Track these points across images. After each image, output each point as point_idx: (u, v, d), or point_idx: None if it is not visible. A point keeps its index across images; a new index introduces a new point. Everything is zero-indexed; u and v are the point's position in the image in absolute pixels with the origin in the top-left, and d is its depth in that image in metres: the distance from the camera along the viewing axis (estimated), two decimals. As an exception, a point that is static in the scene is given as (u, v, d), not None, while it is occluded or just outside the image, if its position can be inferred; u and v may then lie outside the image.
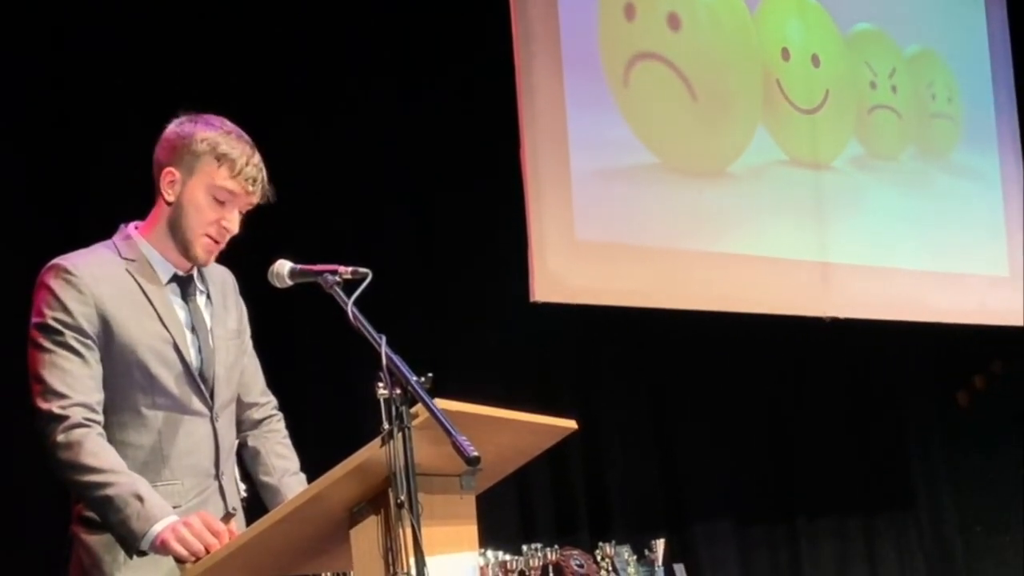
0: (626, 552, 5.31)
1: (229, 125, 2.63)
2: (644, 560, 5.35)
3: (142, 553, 2.39)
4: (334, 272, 2.41)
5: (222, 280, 2.76)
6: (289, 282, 2.48)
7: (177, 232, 2.59)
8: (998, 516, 7.34)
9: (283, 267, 2.49)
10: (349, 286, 2.37)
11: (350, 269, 2.41)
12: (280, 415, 2.87)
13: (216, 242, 2.61)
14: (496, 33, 5.23)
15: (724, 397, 6.35)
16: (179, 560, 2.33)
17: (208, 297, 2.69)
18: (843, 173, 6.47)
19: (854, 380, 6.90)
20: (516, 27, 5.22)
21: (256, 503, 2.73)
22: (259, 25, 4.91)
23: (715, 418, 6.32)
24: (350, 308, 2.30)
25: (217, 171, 2.56)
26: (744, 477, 6.45)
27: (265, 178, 2.61)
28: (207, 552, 2.30)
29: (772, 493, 6.60)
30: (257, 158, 2.61)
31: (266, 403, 2.85)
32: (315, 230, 4.92)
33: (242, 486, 2.75)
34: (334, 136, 5.17)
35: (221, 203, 2.58)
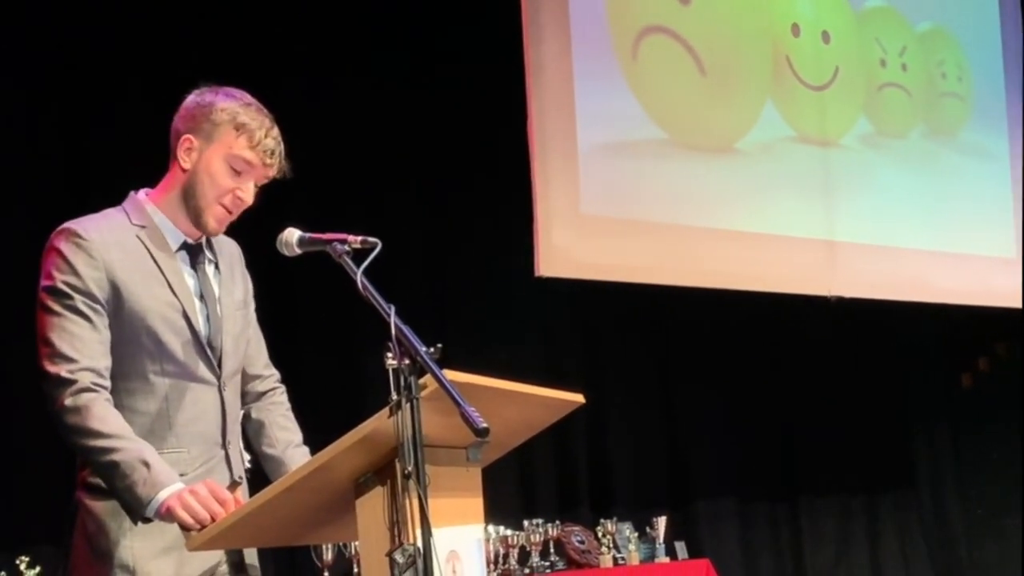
0: (628, 529, 5.32)
1: (249, 98, 2.63)
2: (645, 537, 5.36)
3: (147, 520, 2.38)
4: (343, 241, 2.39)
5: (230, 251, 2.75)
6: (298, 250, 2.47)
7: (191, 200, 2.58)
8: (1000, 498, 7.34)
9: (292, 235, 2.47)
10: (358, 256, 2.35)
11: (359, 238, 2.39)
12: (283, 388, 2.86)
13: (229, 212, 2.60)
14: (505, 5, 5.20)
15: (728, 375, 6.34)
16: (184, 527, 2.31)
17: (216, 267, 2.69)
18: (851, 151, 6.44)
19: (859, 360, 6.89)
20: (525, -1, 5.18)
21: (260, 474, 2.72)
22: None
23: (719, 396, 6.31)
24: (360, 277, 2.28)
25: (236, 140, 2.55)
26: (747, 455, 6.45)
27: (283, 152, 2.60)
28: (212, 520, 2.29)
29: (774, 471, 6.60)
30: (276, 131, 2.60)
31: (269, 376, 2.84)
32: (320, 203, 4.91)
33: (246, 456, 2.74)
34: (340, 109, 5.15)
35: (237, 173, 2.57)
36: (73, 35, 4.48)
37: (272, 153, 2.57)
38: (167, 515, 2.33)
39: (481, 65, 5.35)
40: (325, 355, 5.03)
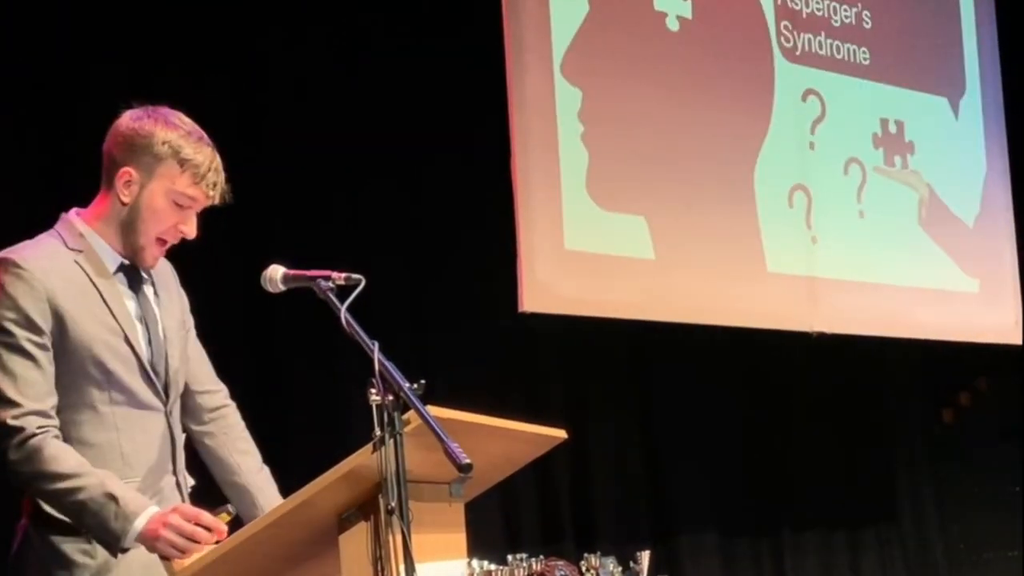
0: (611, 563, 5.28)
1: (189, 124, 2.57)
2: (629, 571, 5.32)
3: (125, 550, 2.37)
4: (327, 277, 2.41)
5: (163, 269, 2.70)
6: (282, 287, 2.48)
7: (130, 235, 2.54)
8: (982, 533, 7.35)
9: (276, 272, 2.49)
10: (342, 292, 2.37)
11: (343, 275, 2.41)
12: (233, 404, 2.81)
13: (167, 244, 2.58)
14: (488, 38, 5.23)
15: (711, 409, 6.35)
16: (165, 557, 2.31)
17: (155, 288, 2.65)
18: (834, 186, 6.46)
19: (841, 395, 6.91)
20: (508, 33, 5.20)
21: (204, 496, 2.68)
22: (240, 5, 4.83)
23: (702, 430, 6.32)
24: (343, 314, 2.30)
25: (180, 176, 2.51)
26: (730, 489, 6.45)
27: (223, 180, 2.57)
28: (197, 543, 2.29)
29: (758, 506, 6.60)
30: (218, 161, 2.57)
31: (218, 390, 2.80)
32: (302, 235, 4.89)
33: (190, 480, 2.71)
34: (321, 141, 5.13)
35: (180, 208, 2.54)
36: (29, 41, 4.38)
37: (215, 185, 2.55)
38: (151, 540, 2.32)
39: (464, 99, 5.37)
40: (307, 388, 5.01)
